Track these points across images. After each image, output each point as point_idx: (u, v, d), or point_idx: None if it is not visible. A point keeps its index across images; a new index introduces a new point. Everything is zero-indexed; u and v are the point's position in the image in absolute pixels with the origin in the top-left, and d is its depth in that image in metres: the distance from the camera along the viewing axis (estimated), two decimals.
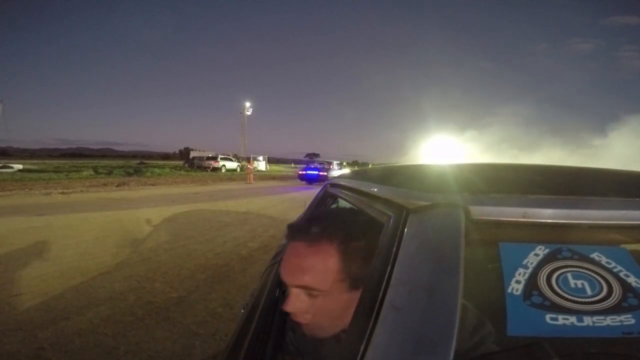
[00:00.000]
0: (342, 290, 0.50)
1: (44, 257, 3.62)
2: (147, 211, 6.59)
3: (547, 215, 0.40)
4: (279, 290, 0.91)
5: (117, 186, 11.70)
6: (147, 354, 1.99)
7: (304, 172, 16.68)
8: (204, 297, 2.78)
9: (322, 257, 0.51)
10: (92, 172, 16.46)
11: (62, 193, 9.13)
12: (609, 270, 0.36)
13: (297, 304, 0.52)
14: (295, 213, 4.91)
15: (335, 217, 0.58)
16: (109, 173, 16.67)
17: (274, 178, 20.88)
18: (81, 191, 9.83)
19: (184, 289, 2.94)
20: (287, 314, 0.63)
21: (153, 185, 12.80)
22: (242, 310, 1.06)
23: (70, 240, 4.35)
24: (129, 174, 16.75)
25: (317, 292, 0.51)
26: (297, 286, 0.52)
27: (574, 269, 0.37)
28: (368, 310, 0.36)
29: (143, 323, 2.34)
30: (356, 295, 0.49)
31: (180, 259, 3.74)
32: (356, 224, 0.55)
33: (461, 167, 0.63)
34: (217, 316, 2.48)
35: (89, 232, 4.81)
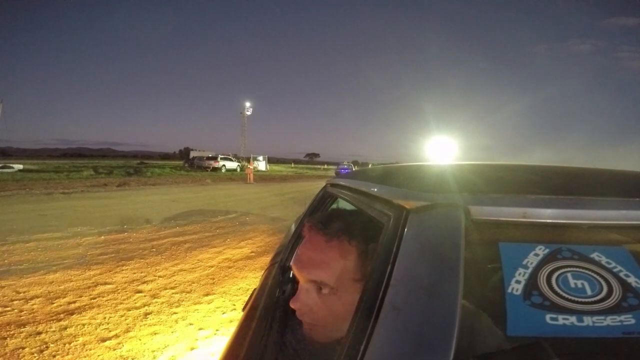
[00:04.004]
0: (354, 290, 0.49)
1: (42, 259, 3.64)
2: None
3: (547, 215, 0.40)
4: (279, 290, 0.91)
5: (117, 186, 11.71)
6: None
7: (340, 171, 25.51)
8: None
9: (340, 254, 0.49)
10: (92, 172, 16.49)
11: (63, 193, 9.15)
12: (609, 270, 0.36)
13: (306, 300, 0.50)
14: None
15: (357, 216, 0.56)
16: (110, 173, 16.70)
17: (273, 178, 20.88)
18: (82, 191, 9.85)
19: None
20: (287, 314, 0.62)
21: (153, 185, 12.82)
22: (242, 310, 1.06)
23: (70, 240, 4.39)
24: (130, 174, 16.77)
25: (329, 290, 0.49)
26: (310, 281, 0.51)
27: (574, 269, 0.37)
28: (368, 310, 0.36)
29: None
30: None
31: None
32: (375, 222, 0.54)
33: (461, 167, 0.63)
34: None
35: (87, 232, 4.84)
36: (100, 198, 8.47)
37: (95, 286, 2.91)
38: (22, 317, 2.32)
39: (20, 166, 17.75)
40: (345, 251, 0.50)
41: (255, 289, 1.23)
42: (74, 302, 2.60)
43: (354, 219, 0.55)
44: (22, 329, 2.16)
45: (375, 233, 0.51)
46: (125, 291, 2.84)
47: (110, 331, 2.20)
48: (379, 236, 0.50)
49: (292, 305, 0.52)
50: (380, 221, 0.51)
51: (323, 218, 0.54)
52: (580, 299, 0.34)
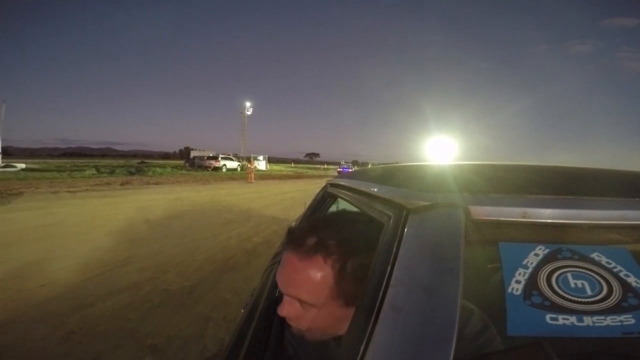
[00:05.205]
0: (335, 306, 0.48)
1: (61, 252, 3.68)
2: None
3: (547, 215, 0.40)
4: (278, 291, 0.91)
5: (120, 185, 11.74)
6: (166, 335, 2.15)
7: (342, 170, 27.10)
8: (213, 286, 2.92)
9: (315, 273, 0.48)
10: (94, 172, 16.54)
11: (69, 192, 9.18)
12: (609, 270, 0.36)
13: (290, 310, 0.51)
14: None
15: (336, 227, 0.52)
16: (112, 172, 16.74)
17: (274, 178, 20.87)
18: (86, 190, 9.87)
19: (195, 278, 3.06)
20: None
21: (156, 184, 12.85)
22: (242, 310, 1.07)
23: (84, 236, 4.42)
24: (132, 173, 16.82)
25: (309, 306, 0.49)
26: (290, 296, 0.51)
27: (574, 269, 0.37)
28: (368, 310, 0.36)
29: (160, 309, 2.49)
30: (350, 311, 0.44)
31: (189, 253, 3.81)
32: (359, 234, 0.51)
33: (461, 167, 0.63)
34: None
35: (100, 228, 4.87)
36: (105, 197, 8.50)
37: None
38: None
39: (23, 165, 17.78)
40: (319, 270, 0.48)
41: (255, 289, 1.23)
42: None
43: (332, 231, 0.52)
44: None
45: (357, 247, 0.49)
46: None
47: None
48: (361, 251, 0.49)
49: (279, 312, 0.52)
50: (380, 221, 0.51)
51: (298, 234, 0.52)
52: (580, 299, 0.34)
